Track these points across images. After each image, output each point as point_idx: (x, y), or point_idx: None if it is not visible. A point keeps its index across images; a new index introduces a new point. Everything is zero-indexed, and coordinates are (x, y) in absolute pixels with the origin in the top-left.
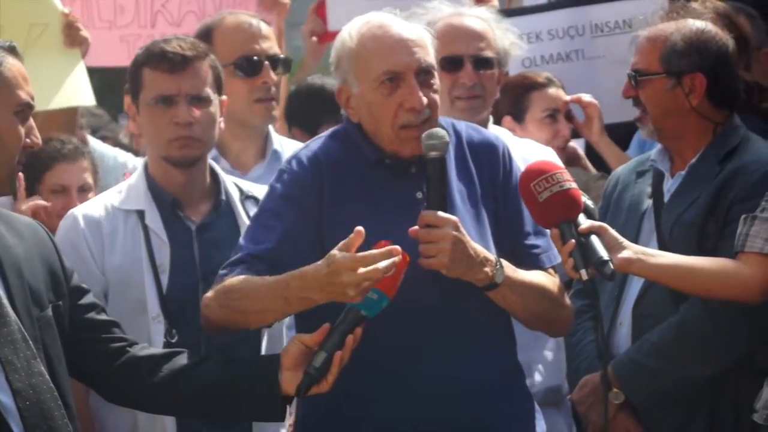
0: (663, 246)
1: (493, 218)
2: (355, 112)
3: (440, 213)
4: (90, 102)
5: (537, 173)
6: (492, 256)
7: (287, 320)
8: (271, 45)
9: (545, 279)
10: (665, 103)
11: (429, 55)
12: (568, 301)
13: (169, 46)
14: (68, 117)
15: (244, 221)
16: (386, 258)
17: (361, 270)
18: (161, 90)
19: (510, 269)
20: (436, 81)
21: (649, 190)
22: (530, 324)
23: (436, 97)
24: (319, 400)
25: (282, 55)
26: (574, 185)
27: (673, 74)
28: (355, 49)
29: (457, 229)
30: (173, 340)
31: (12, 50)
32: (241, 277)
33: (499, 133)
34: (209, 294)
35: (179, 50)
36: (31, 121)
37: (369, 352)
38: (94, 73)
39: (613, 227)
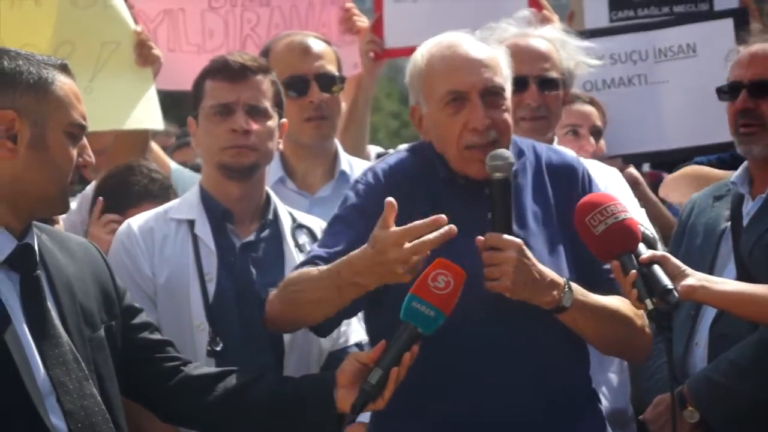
0: (741, 267)
1: (569, 242)
2: (426, 132)
3: (504, 235)
4: (159, 126)
5: (590, 207)
6: (561, 279)
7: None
8: (321, 63)
9: (621, 304)
10: None
11: (498, 75)
12: (647, 328)
13: (232, 58)
14: (140, 138)
15: (291, 248)
16: (432, 229)
17: (407, 244)
18: (220, 98)
19: (580, 293)
20: (506, 102)
21: (727, 213)
22: (605, 349)
23: (505, 117)
24: None
25: (335, 73)
26: (629, 215)
27: None
28: (424, 69)
29: (520, 251)
30: (217, 348)
31: (64, 68)
32: (300, 270)
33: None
34: (273, 291)
35: (240, 60)
36: (84, 141)
37: (430, 374)
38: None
39: (689, 250)
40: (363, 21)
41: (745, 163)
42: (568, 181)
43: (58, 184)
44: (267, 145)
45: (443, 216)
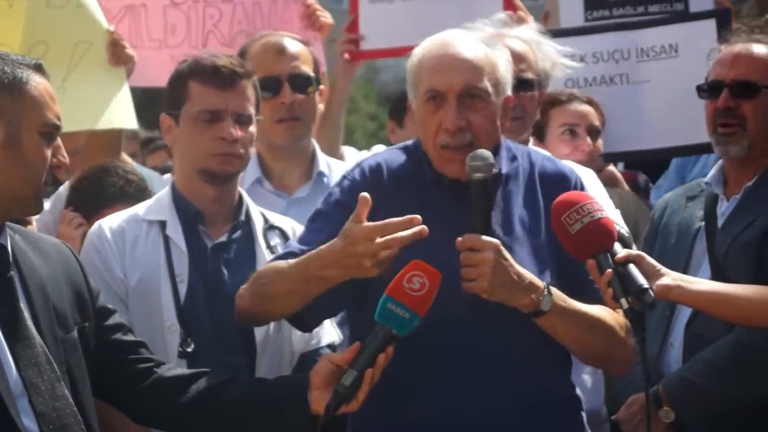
0: (716, 268)
1: (556, 250)
2: (416, 128)
3: (481, 236)
4: (132, 125)
5: (567, 206)
6: (540, 282)
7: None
8: (296, 64)
9: (604, 314)
10: None
11: (483, 77)
12: (630, 339)
13: (221, 62)
14: (113, 138)
15: (263, 249)
16: (405, 227)
17: (379, 239)
18: (209, 105)
19: (561, 298)
20: (489, 106)
21: (700, 213)
22: (584, 358)
23: (483, 120)
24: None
25: (310, 74)
26: (605, 214)
27: None
28: (416, 64)
29: (498, 252)
30: (188, 350)
31: (38, 68)
32: (270, 264)
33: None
34: (244, 285)
35: (230, 66)
36: (59, 141)
37: (407, 375)
38: (136, 89)
39: (662, 250)
40: (326, 17)
41: (720, 163)
42: (560, 190)
43: (32, 185)
44: (249, 152)
45: (417, 216)
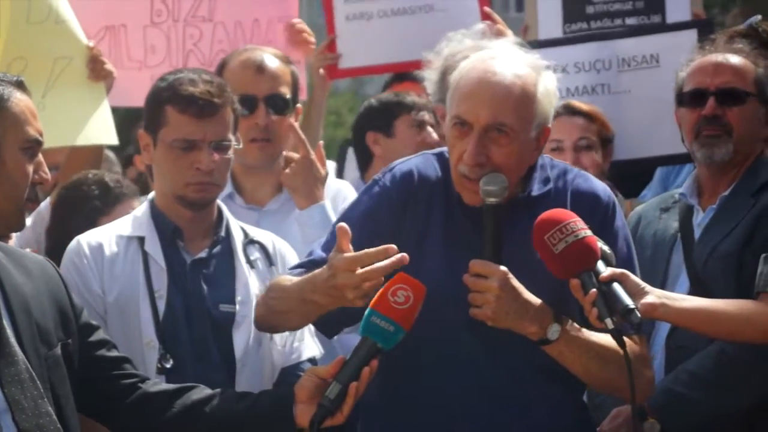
0: (695, 279)
1: None
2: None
3: (488, 263)
4: (113, 141)
5: (550, 225)
6: (549, 310)
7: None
8: (273, 85)
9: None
10: (754, 126)
11: (512, 112)
12: (649, 370)
13: (198, 90)
14: (94, 154)
15: (242, 264)
16: (383, 256)
17: (360, 270)
18: (185, 134)
19: (573, 328)
20: (513, 141)
21: (676, 224)
22: (595, 387)
23: (504, 157)
24: None
25: (287, 96)
26: (589, 233)
27: (765, 101)
28: (457, 79)
29: (503, 280)
30: (167, 366)
31: (20, 85)
32: (283, 276)
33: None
34: (262, 292)
35: (207, 96)
36: (40, 157)
37: (414, 397)
38: (116, 109)
39: (639, 262)
40: (310, 37)
41: (693, 174)
42: (590, 211)
43: (14, 201)
44: (226, 176)
45: (393, 246)
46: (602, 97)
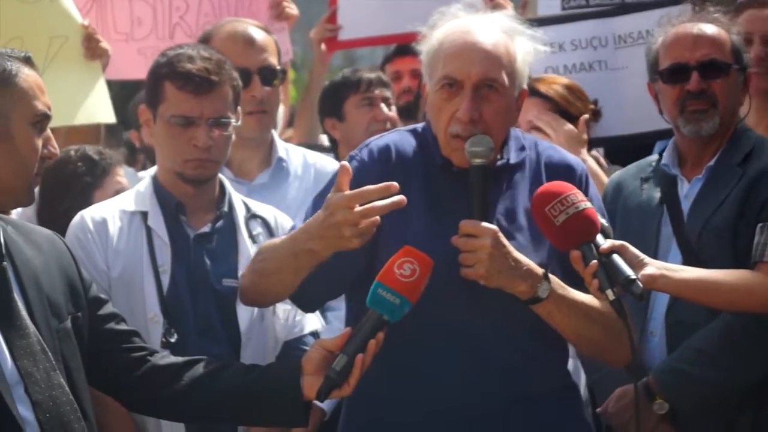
0: (687, 251)
1: None
2: (428, 111)
3: (478, 223)
4: (110, 119)
5: (550, 197)
6: (539, 269)
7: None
8: (265, 57)
9: (603, 304)
10: (736, 96)
11: (500, 69)
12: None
13: (195, 67)
14: (92, 133)
15: (245, 238)
16: (383, 194)
17: (358, 208)
18: (183, 110)
19: (559, 286)
20: (502, 98)
21: (659, 195)
22: (582, 348)
23: (494, 113)
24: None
25: (277, 67)
26: (589, 205)
27: (743, 69)
28: (435, 46)
29: (495, 238)
30: (171, 340)
31: (27, 61)
32: (267, 241)
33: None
34: (247, 264)
35: (205, 74)
36: (48, 132)
37: (401, 362)
38: (111, 86)
39: (625, 234)
40: (292, 8)
41: (672, 143)
42: (566, 180)
43: (24, 176)
44: (226, 153)
45: (395, 183)
46: (600, 74)
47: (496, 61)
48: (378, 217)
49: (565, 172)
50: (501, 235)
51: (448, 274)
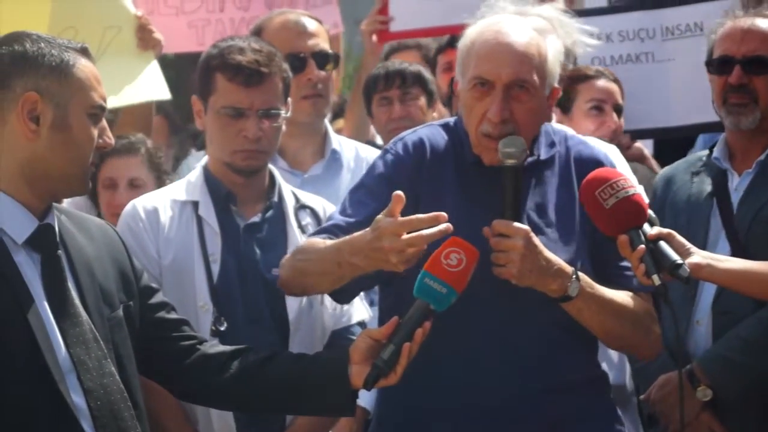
0: (736, 243)
1: (589, 236)
2: (460, 108)
3: (511, 223)
4: (165, 96)
5: (601, 181)
6: (569, 268)
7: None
8: (317, 42)
9: (630, 300)
10: None
11: (532, 69)
12: (656, 327)
13: (246, 59)
14: (143, 115)
15: (294, 228)
16: (432, 223)
17: (405, 236)
18: (233, 102)
19: (588, 284)
20: (533, 97)
21: (709, 188)
22: (610, 343)
23: (525, 113)
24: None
25: (330, 51)
26: (638, 191)
27: None
28: (469, 45)
29: (527, 238)
30: (221, 329)
31: (84, 51)
32: (313, 239)
33: (560, 130)
34: (287, 255)
35: (255, 66)
36: (104, 122)
37: (437, 355)
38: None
39: (675, 227)
40: None
41: (723, 138)
42: None
43: (80, 165)
44: (276, 144)
45: (444, 214)
46: (646, 66)
47: (527, 62)
48: (425, 245)
49: (594, 167)
50: (533, 235)
51: (480, 268)
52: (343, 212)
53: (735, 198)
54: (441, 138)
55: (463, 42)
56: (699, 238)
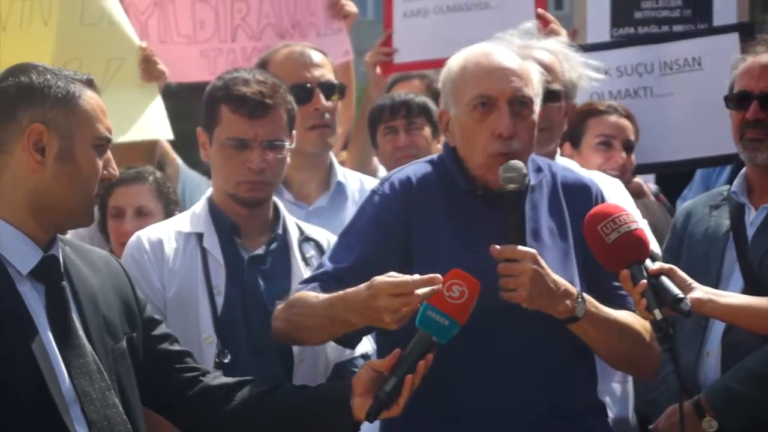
0: (749, 276)
1: (582, 256)
2: (452, 136)
3: (518, 246)
4: (168, 136)
5: (603, 216)
6: (574, 289)
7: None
8: (323, 72)
9: (631, 319)
10: None
11: (529, 87)
12: (656, 343)
13: (250, 90)
14: (147, 150)
15: (298, 261)
16: (427, 285)
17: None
18: (237, 133)
19: (593, 304)
20: (533, 115)
21: (727, 222)
22: (613, 362)
23: (526, 130)
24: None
25: (336, 81)
26: (640, 226)
27: None
28: (458, 72)
29: (535, 262)
30: (225, 361)
31: (90, 83)
32: (305, 292)
33: (566, 164)
34: (279, 306)
35: (259, 97)
36: (109, 154)
37: (444, 378)
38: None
39: (691, 259)
40: (351, 6)
41: (743, 172)
42: (583, 200)
43: (85, 197)
44: (280, 175)
45: (438, 276)
46: (645, 100)
47: (524, 77)
48: (419, 305)
49: (581, 191)
50: (539, 257)
51: (484, 296)
52: (331, 258)
53: (750, 232)
54: (427, 172)
55: (449, 71)
56: (714, 271)
